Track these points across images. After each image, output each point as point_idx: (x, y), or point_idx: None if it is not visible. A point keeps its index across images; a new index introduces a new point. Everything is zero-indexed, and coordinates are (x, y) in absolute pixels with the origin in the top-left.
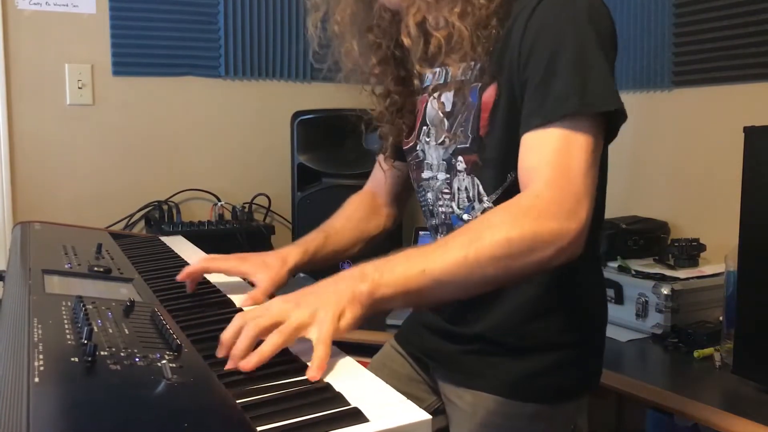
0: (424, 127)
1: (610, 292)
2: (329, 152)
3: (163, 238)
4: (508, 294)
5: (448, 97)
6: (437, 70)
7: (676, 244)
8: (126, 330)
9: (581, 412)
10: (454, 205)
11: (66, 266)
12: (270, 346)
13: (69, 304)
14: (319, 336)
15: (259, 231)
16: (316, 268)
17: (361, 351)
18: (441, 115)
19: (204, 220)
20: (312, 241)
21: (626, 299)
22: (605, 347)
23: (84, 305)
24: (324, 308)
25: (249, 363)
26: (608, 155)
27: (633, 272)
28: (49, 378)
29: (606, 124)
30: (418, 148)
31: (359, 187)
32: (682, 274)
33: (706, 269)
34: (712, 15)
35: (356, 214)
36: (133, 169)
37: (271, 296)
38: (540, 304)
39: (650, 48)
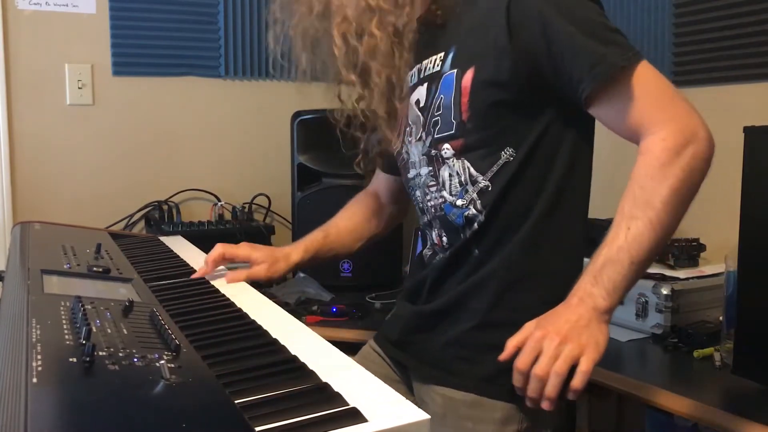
0: (407, 128)
1: None
2: (329, 152)
3: (163, 239)
4: (490, 278)
5: (421, 93)
6: (412, 71)
7: (676, 244)
8: (125, 330)
9: (554, 419)
10: (444, 193)
11: (65, 266)
12: (558, 378)
13: (68, 304)
14: (588, 360)
15: (259, 231)
16: (317, 266)
17: (344, 351)
18: (418, 111)
19: (204, 220)
20: (313, 240)
21: (626, 299)
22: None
23: (83, 305)
24: (588, 338)
25: (549, 401)
26: (593, 144)
27: None
28: (47, 378)
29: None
30: (403, 150)
31: (359, 187)
32: (682, 274)
33: (706, 269)
34: (712, 15)
35: (357, 215)
36: (133, 169)
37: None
38: (518, 286)
39: (650, 48)
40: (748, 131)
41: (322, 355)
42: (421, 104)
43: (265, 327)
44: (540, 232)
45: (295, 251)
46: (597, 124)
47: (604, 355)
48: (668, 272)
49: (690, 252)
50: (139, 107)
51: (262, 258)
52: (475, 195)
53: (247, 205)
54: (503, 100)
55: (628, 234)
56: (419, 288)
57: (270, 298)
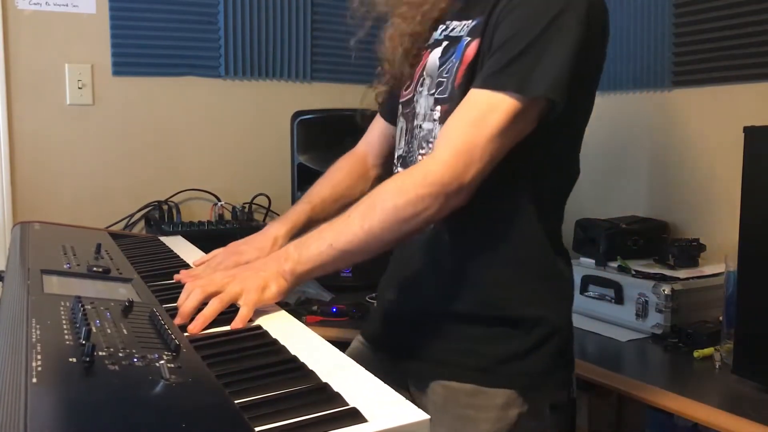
0: (422, 78)
1: (610, 292)
2: (329, 152)
3: (163, 239)
4: (468, 270)
5: (441, 51)
6: (443, 26)
7: (676, 244)
8: (124, 330)
9: (553, 397)
10: (427, 152)
11: (65, 266)
12: (210, 310)
13: (67, 304)
14: (245, 301)
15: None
16: None
17: (344, 351)
18: (436, 67)
19: (204, 220)
20: (300, 213)
21: (626, 299)
22: (607, 349)
23: (83, 305)
24: (252, 282)
25: (195, 326)
26: (580, 151)
27: (633, 272)
28: (47, 378)
29: (546, 108)
30: (414, 99)
31: None
32: (682, 274)
33: (706, 269)
34: (712, 15)
35: (343, 182)
36: (133, 169)
37: None
38: (502, 279)
39: (650, 48)
40: (748, 131)
41: (322, 355)
42: (439, 62)
43: (265, 327)
44: (511, 222)
45: (281, 232)
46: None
47: (604, 355)
48: (668, 272)
49: (690, 252)
50: (139, 107)
51: (254, 257)
52: None
53: (247, 205)
54: None
55: (344, 222)
56: (402, 272)
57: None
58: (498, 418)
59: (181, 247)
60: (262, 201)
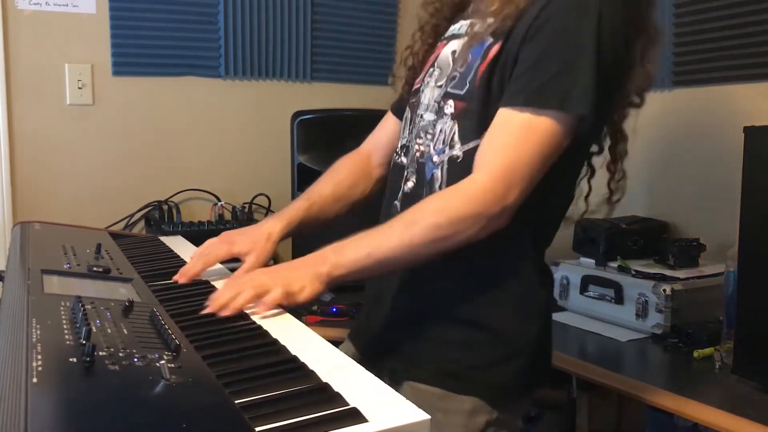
0: (431, 69)
1: (610, 292)
2: (329, 152)
3: (163, 238)
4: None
5: (459, 45)
6: (464, 22)
7: (676, 244)
8: (125, 330)
9: (523, 409)
10: (431, 145)
11: (65, 266)
12: (242, 299)
13: (68, 304)
14: (279, 293)
15: None
16: (303, 235)
17: None
18: (449, 60)
19: (204, 220)
20: (296, 210)
21: (626, 299)
22: (607, 349)
23: (83, 305)
24: (292, 281)
25: (225, 311)
26: (586, 156)
27: (633, 272)
28: (47, 378)
29: (577, 125)
30: (421, 89)
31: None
32: (682, 274)
33: (706, 269)
34: (712, 15)
35: (345, 181)
36: (133, 169)
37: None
38: (470, 280)
39: None
40: (748, 131)
41: (322, 355)
42: (455, 55)
43: (265, 327)
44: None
45: (276, 227)
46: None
47: (604, 355)
48: (668, 272)
49: (690, 252)
50: (139, 107)
51: (246, 248)
52: (446, 158)
53: (247, 205)
54: (503, 86)
55: (383, 233)
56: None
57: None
58: (465, 424)
59: (181, 247)
60: (262, 201)
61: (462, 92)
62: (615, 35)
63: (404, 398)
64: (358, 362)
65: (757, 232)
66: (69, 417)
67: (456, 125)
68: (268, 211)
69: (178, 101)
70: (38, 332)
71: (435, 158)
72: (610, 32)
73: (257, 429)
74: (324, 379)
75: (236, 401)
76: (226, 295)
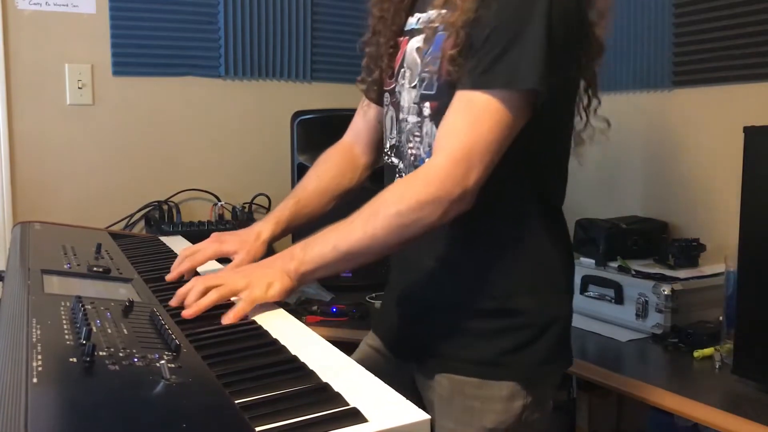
0: (402, 69)
1: (610, 292)
2: None
3: (163, 238)
4: (454, 262)
5: (420, 42)
6: (421, 15)
7: (676, 244)
8: (125, 330)
9: (555, 387)
10: (421, 147)
11: (65, 266)
12: (208, 300)
13: (68, 304)
14: (246, 297)
15: None
16: (296, 232)
17: (344, 351)
18: (417, 58)
19: (204, 220)
20: (284, 209)
21: (626, 299)
22: (607, 349)
23: (83, 305)
24: (258, 279)
25: (187, 313)
26: (569, 126)
27: (633, 272)
28: (47, 378)
29: (534, 99)
30: (396, 89)
31: (358, 188)
32: (682, 274)
33: (706, 269)
34: (712, 15)
35: (328, 173)
36: (133, 169)
37: None
38: (491, 266)
39: (650, 48)
40: (748, 131)
41: (322, 355)
42: (418, 55)
43: (265, 327)
44: (500, 219)
45: (265, 228)
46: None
47: (604, 355)
48: (668, 272)
49: (690, 252)
50: (139, 107)
51: (235, 248)
52: None
53: (247, 205)
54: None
55: (348, 225)
56: (403, 270)
57: (279, 305)
58: (504, 410)
59: (181, 247)
60: (262, 201)
61: (433, 92)
62: (566, 7)
63: (403, 398)
64: (384, 356)
65: (757, 232)
66: (69, 417)
67: (434, 128)
68: (268, 211)
69: (178, 101)
70: (38, 332)
71: (427, 160)
72: (559, 4)
73: (257, 429)
74: (324, 379)
75: (236, 401)
76: (192, 297)
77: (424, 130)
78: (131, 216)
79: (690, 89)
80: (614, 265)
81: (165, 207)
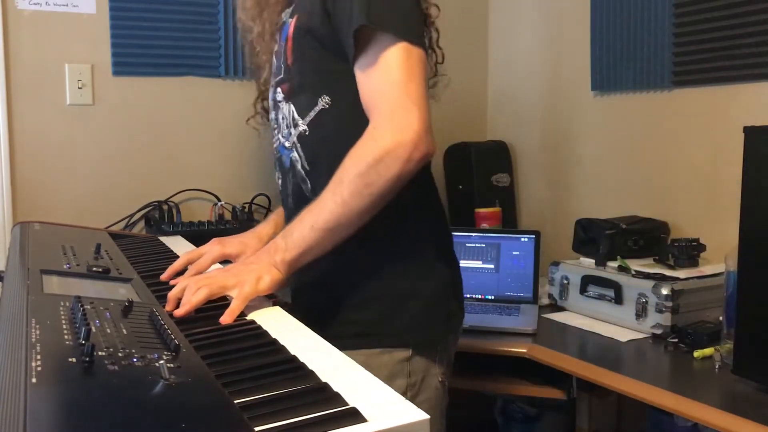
0: (274, 70)
1: (610, 292)
2: None
3: (163, 239)
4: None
5: (278, 42)
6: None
7: (676, 244)
8: (124, 330)
9: (443, 354)
10: (279, 135)
11: (65, 266)
12: (198, 298)
13: (67, 304)
14: (238, 294)
15: None
16: None
17: None
18: (274, 59)
19: (204, 220)
20: (280, 212)
21: (626, 299)
22: (607, 349)
23: (82, 305)
24: (247, 275)
25: (179, 311)
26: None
27: (633, 272)
28: (46, 378)
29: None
30: (269, 96)
31: None
32: (682, 274)
33: (706, 269)
34: (712, 15)
35: None
36: (133, 169)
37: None
38: (364, 248)
39: (650, 48)
40: (748, 131)
41: (322, 355)
42: (276, 48)
43: (264, 327)
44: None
45: (265, 230)
46: (589, 126)
47: (604, 355)
48: (668, 272)
49: (690, 252)
50: (139, 107)
51: (237, 250)
52: (295, 138)
53: (247, 205)
54: (316, 46)
55: (320, 202)
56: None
57: (269, 298)
58: (392, 373)
59: (181, 247)
60: (262, 201)
61: (282, 75)
62: None
63: (403, 398)
64: None
65: (757, 232)
66: (68, 417)
67: (291, 106)
68: (268, 211)
69: (178, 101)
70: (37, 332)
71: (286, 143)
72: None
73: (257, 429)
74: (323, 379)
75: (236, 401)
76: (188, 296)
77: (280, 116)
78: (131, 216)
79: (690, 89)
80: (614, 265)
81: (165, 207)
